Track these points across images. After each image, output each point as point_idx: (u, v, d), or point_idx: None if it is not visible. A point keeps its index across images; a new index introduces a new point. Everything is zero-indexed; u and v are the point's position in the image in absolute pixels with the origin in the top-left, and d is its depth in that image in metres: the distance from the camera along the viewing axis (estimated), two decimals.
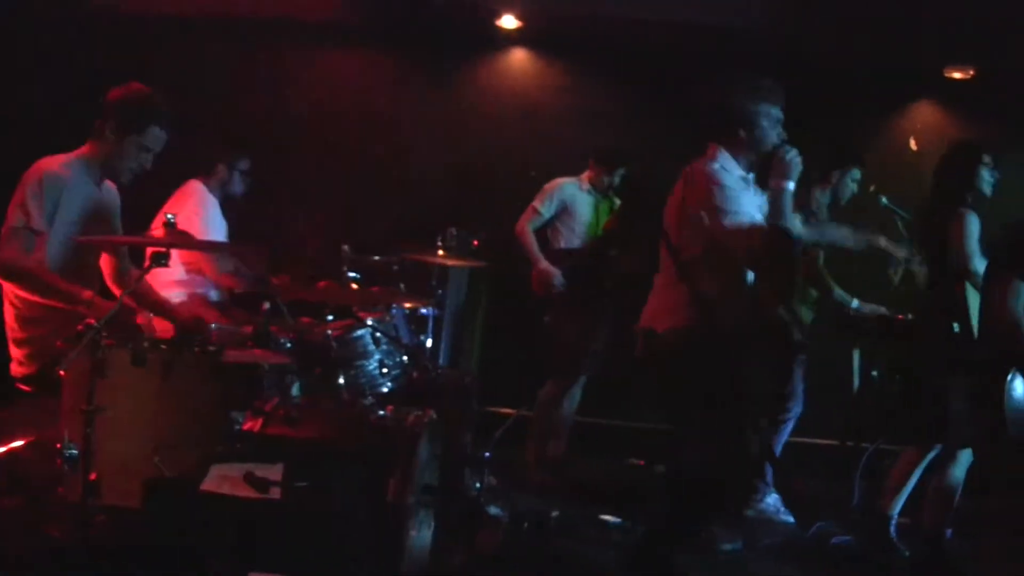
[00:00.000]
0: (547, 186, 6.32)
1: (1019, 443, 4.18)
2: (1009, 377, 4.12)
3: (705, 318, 4.05)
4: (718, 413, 4.05)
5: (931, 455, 5.20)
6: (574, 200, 6.30)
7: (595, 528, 5.32)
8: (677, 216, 4.20)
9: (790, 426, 5.85)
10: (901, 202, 5.78)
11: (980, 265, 4.88)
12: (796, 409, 5.81)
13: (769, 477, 5.82)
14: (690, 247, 4.13)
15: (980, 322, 4.59)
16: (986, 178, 5.12)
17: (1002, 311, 4.17)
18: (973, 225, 4.92)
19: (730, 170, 4.15)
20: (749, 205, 4.07)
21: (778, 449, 5.81)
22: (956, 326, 4.84)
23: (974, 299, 4.89)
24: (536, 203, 6.28)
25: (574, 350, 6.20)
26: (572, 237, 6.29)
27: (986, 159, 5.10)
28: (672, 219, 4.23)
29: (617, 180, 6.33)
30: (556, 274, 6.17)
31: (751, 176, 4.22)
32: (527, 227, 6.25)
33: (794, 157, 4.05)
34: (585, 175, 6.35)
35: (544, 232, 6.33)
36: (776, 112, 4.24)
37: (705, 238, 4.06)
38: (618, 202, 6.37)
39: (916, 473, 5.24)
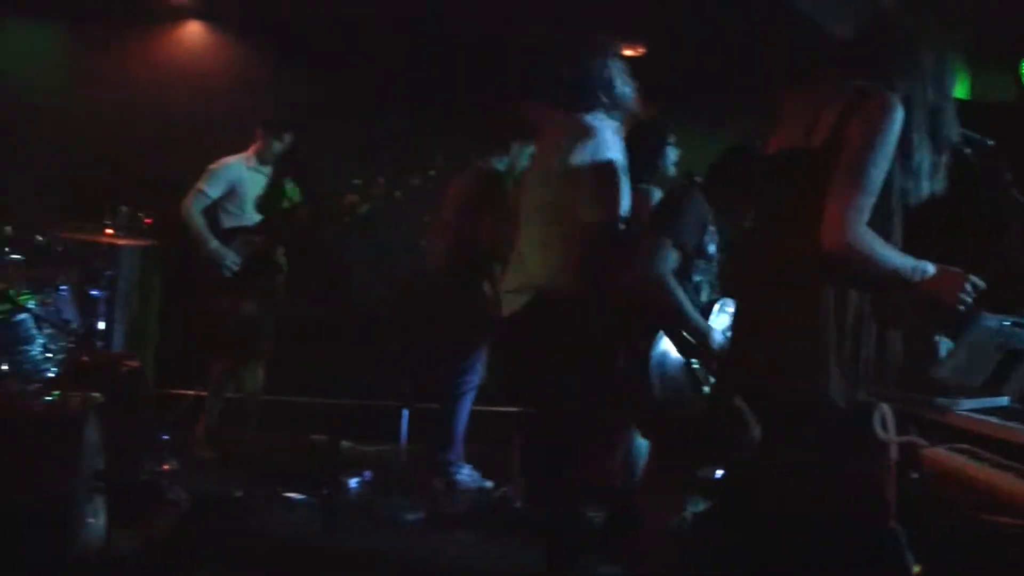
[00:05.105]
0: (212, 166, 6.26)
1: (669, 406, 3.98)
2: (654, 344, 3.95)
3: None
4: None
5: None
6: (241, 180, 6.27)
7: (279, 506, 5.29)
8: None
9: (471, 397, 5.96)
10: None
11: None
12: (475, 380, 5.92)
13: (459, 449, 5.86)
14: None
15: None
16: (671, 157, 5.06)
17: (647, 271, 3.90)
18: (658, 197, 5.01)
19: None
20: None
21: (464, 420, 5.90)
22: None
23: None
24: (202, 184, 6.19)
25: (246, 329, 6.21)
26: (240, 216, 6.26)
27: (671, 138, 5.01)
28: None
29: (282, 148, 6.34)
30: (228, 255, 6.14)
31: None
32: (193, 208, 6.16)
33: None
34: (252, 148, 6.33)
35: (212, 211, 6.24)
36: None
37: None
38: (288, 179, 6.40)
39: None
